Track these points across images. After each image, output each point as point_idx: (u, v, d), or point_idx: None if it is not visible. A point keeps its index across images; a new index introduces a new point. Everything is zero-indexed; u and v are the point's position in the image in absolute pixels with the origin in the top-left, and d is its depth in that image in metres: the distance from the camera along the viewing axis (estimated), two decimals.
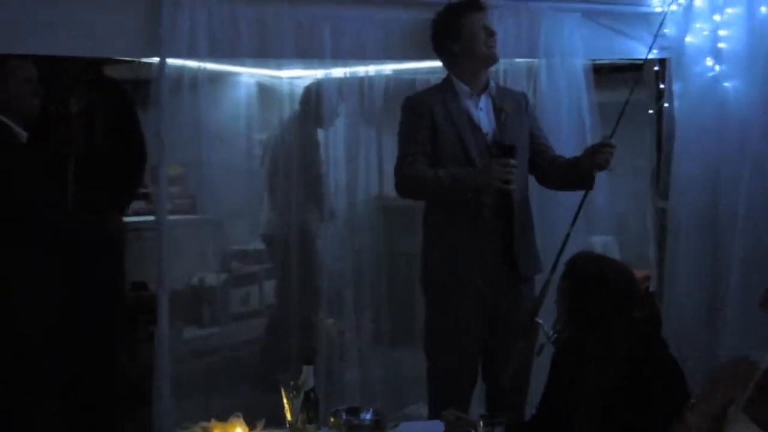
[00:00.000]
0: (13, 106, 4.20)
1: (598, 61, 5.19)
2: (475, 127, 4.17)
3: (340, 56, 4.53)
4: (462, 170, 4.06)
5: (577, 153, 4.29)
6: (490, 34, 4.20)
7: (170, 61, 4.19)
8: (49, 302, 4.26)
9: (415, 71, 5.13)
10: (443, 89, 4.25)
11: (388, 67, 5.07)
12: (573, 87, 4.78)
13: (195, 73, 4.36)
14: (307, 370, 3.31)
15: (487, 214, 4.08)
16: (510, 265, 4.15)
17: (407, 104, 4.27)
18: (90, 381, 4.60)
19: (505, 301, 4.12)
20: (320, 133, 5.58)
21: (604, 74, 6.06)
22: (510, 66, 4.83)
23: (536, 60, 4.80)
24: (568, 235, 4.03)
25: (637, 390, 2.97)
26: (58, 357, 4.36)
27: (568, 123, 4.69)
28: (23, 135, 4.19)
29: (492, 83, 4.28)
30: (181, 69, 4.28)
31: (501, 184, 3.95)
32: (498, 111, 4.20)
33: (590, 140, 4.61)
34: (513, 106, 4.24)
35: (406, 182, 4.16)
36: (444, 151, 4.12)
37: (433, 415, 4.06)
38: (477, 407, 4.18)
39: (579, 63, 4.82)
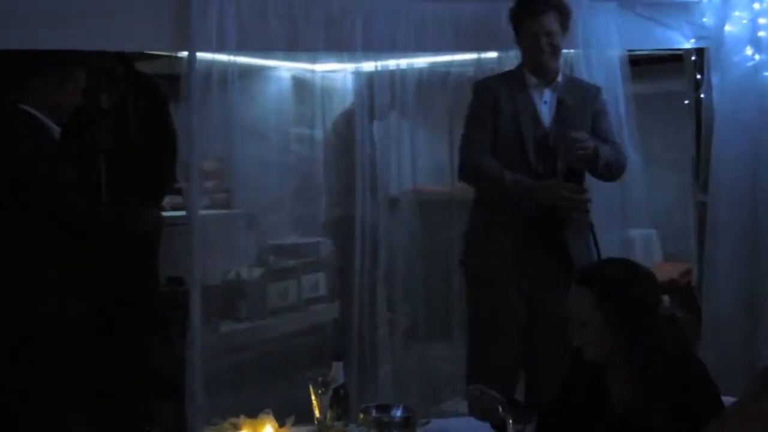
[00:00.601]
0: (59, 108, 4.21)
1: (635, 52, 5.12)
2: (537, 121, 4.20)
3: (371, 49, 4.50)
4: (528, 181, 4.10)
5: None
6: (539, 43, 4.15)
7: (201, 55, 4.19)
8: (82, 297, 4.27)
9: (449, 64, 5.07)
10: (513, 77, 4.30)
11: (421, 60, 5.02)
12: (609, 78, 4.72)
13: (226, 67, 4.35)
14: (337, 366, 3.28)
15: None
16: (565, 264, 4.14)
17: (475, 88, 4.36)
18: (123, 376, 4.61)
19: (550, 295, 4.10)
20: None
21: (643, 65, 6.00)
22: None
23: (572, 51, 4.74)
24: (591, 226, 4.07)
25: (672, 414, 2.76)
26: (92, 352, 4.38)
27: None
28: (56, 130, 4.19)
29: (561, 76, 4.28)
30: (211, 63, 4.27)
31: (568, 211, 4.06)
32: (558, 103, 4.21)
33: (626, 132, 4.57)
34: (577, 100, 4.24)
35: (470, 170, 4.26)
36: (502, 139, 4.16)
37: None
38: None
39: (615, 54, 4.77)
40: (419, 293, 5.11)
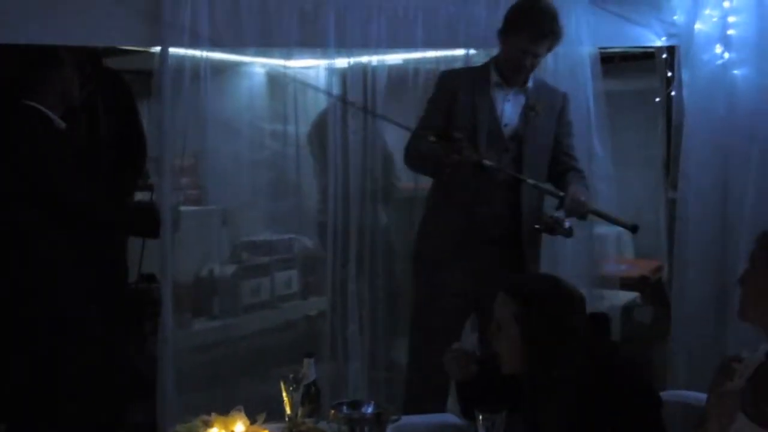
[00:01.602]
0: (60, 98, 4.24)
1: (608, 50, 5.14)
2: (493, 117, 4.21)
3: (344, 45, 4.50)
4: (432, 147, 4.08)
5: (583, 140, 4.33)
6: (524, 61, 4.16)
7: (174, 50, 4.19)
8: (68, 292, 4.30)
9: (420, 61, 5.07)
10: (478, 72, 4.32)
11: (395, 57, 5.02)
12: (579, 75, 4.74)
13: (198, 63, 4.34)
14: (308, 363, 3.29)
15: (486, 205, 4.17)
16: (517, 259, 4.20)
17: (440, 76, 4.43)
18: (94, 373, 4.59)
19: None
20: None
21: (616, 62, 6.03)
22: None
23: None
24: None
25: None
26: (65, 349, 4.38)
27: (573, 111, 4.63)
28: (62, 123, 4.21)
29: (532, 80, 4.30)
30: (184, 59, 4.26)
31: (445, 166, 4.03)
32: (528, 108, 4.24)
33: (595, 129, 4.60)
34: (546, 106, 4.27)
35: (405, 155, 4.31)
36: (455, 129, 4.11)
37: (408, 396, 4.20)
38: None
39: (586, 51, 4.78)
40: (391, 290, 5.11)
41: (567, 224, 4.09)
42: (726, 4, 4.75)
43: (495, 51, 4.36)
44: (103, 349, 4.60)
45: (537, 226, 4.14)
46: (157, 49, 4.21)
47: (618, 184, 4.89)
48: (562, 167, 4.32)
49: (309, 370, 3.27)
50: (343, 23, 4.42)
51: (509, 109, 4.25)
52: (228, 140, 5.30)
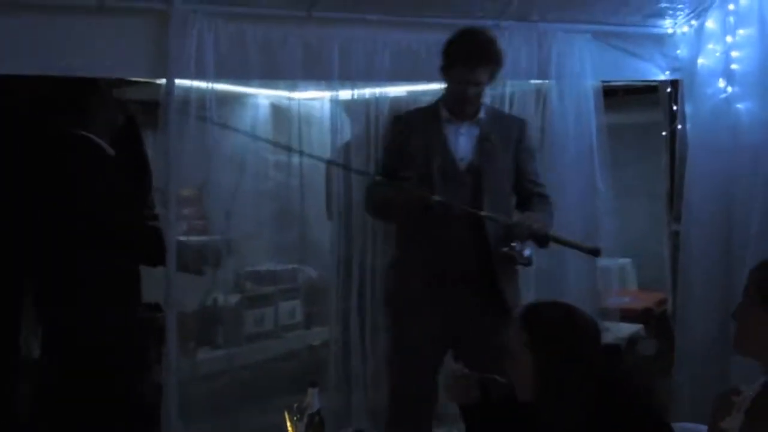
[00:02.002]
0: (106, 125, 4.30)
1: (612, 83, 5.17)
2: (447, 153, 4.09)
3: (348, 77, 4.52)
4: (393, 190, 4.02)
5: (586, 175, 4.29)
6: (467, 92, 4.05)
7: (179, 81, 4.21)
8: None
9: (424, 93, 5.10)
10: (428, 111, 4.21)
11: (398, 89, 5.06)
12: (582, 108, 4.76)
13: (204, 94, 4.35)
14: (312, 393, 3.29)
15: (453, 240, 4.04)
16: (495, 294, 4.05)
17: (390, 122, 4.42)
18: (99, 402, 4.60)
19: (475, 326, 4.01)
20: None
21: (620, 96, 6.07)
22: (519, 87, 4.81)
23: (546, 81, 4.79)
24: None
25: None
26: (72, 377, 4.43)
27: (576, 145, 4.66)
28: (112, 151, 4.26)
29: (483, 111, 4.16)
30: (189, 90, 4.28)
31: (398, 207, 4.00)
32: (482, 140, 4.11)
33: (597, 162, 4.61)
34: (501, 136, 4.14)
35: (365, 203, 4.27)
36: (413, 171, 4.01)
37: None
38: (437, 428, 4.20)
39: (589, 84, 4.80)
40: None
41: (526, 253, 3.96)
42: (729, 39, 4.77)
43: (500, 84, 4.38)
44: (109, 377, 4.64)
45: (501, 253, 4.00)
46: (163, 80, 4.23)
47: (621, 216, 4.90)
48: (526, 193, 4.20)
49: (313, 399, 3.25)
50: (347, 56, 4.44)
51: (463, 142, 4.12)
52: (232, 171, 5.32)
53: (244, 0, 4.28)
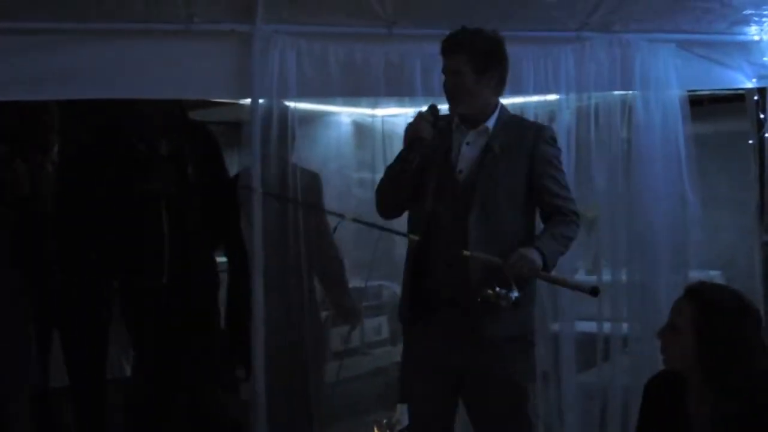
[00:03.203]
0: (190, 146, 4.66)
1: (697, 92, 5.10)
2: (446, 163, 3.90)
3: (431, 93, 4.51)
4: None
5: (674, 185, 4.22)
6: (446, 82, 3.88)
7: (263, 101, 4.26)
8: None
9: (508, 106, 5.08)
10: (448, 119, 3.97)
11: None
12: (669, 119, 4.70)
13: (286, 113, 4.40)
14: (400, 409, 3.29)
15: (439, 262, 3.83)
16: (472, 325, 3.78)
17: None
18: (188, 418, 4.67)
19: (471, 363, 3.83)
20: None
21: (705, 105, 5.98)
22: (603, 98, 4.76)
23: (630, 92, 4.74)
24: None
25: None
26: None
27: (663, 155, 4.60)
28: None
29: (493, 118, 3.91)
30: (272, 109, 4.32)
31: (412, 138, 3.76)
32: (485, 151, 3.86)
33: (686, 173, 4.54)
34: (511, 145, 3.86)
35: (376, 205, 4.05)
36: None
37: None
38: None
39: (675, 94, 4.74)
40: None
41: (513, 295, 3.55)
42: None
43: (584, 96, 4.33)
44: (196, 395, 4.71)
45: (479, 299, 3.60)
46: (247, 100, 4.29)
47: (710, 227, 4.82)
48: (549, 208, 3.88)
49: (402, 416, 3.26)
50: (429, 71, 4.42)
51: (467, 152, 3.89)
52: None
53: (326, 19, 4.32)
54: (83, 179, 4.66)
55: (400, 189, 3.90)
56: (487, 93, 3.90)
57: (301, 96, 4.42)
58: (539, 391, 4.56)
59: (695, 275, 5.02)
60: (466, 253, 3.64)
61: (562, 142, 4.57)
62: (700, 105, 5.49)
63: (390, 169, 3.92)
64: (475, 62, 3.82)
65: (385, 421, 3.19)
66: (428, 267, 3.86)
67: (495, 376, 3.79)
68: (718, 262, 6.36)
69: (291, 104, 4.44)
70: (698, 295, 2.96)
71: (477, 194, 3.80)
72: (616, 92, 4.78)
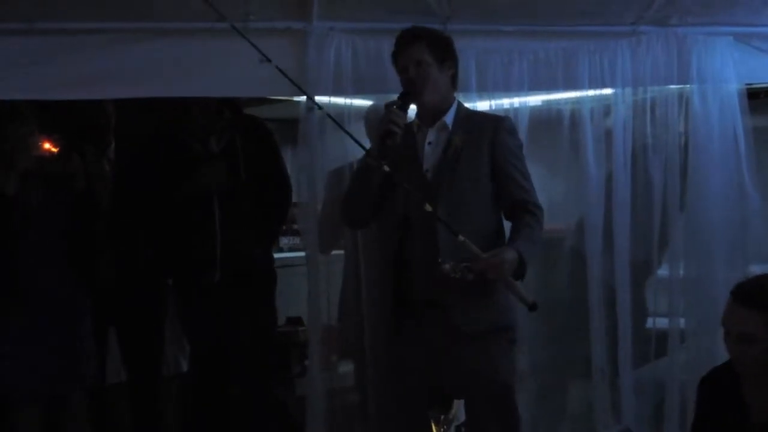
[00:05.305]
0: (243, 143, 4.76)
1: (755, 85, 5.04)
2: (415, 163, 3.89)
3: (485, 89, 4.51)
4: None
5: (733, 179, 4.20)
6: (408, 73, 3.87)
7: (318, 98, 4.25)
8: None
9: (562, 101, 5.05)
10: (412, 122, 3.98)
11: (535, 99, 5.01)
12: (727, 113, 4.65)
13: (342, 110, 4.41)
14: (457, 404, 3.29)
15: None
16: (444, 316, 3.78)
17: None
18: (242, 416, 4.70)
19: (448, 363, 3.80)
20: None
21: (762, 98, 5.90)
22: (660, 92, 4.73)
23: (688, 86, 4.69)
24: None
25: None
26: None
27: (721, 150, 4.55)
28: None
29: (451, 113, 3.92)
30: (327, 106, 4.31)
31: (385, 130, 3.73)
32: (446, 147, 3.86)
33: (745, 167, 4.49)
34: (472, 137, 3.85)
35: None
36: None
37: None
38: None
39: (733, 88, 4.69)
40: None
41: (464, 266, 3.59)
42: None
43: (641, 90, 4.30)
44: (253, 390, 4.74)
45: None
46: (302, 97, 4.30)
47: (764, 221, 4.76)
48: (513, 202, 3.85)
49: (459, 411, 3.26)
50: (484, 67, 4.44)
51: (431, 151, 3.89)
52: None
53: (381, 16, 4.33)
54: (137, 177, 4.71)
55: (370, 189, 3.87)
56: (446, 84, 3.94)
57: (356, 93, 4.42)
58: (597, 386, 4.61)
59: (755, 269, 4.98)
60: (461, 238, 3.58)
61: (617, 136, 4.58)
62: (757, 98, 5.40)
63: (359, 171, 3.95)
64: (435, 50, 3.88)
65: (442, 416, 3.19)
66: (405, 271, 3.84)
67: (478, 372, 3.77)
68: None
69: (346, 101, 4.44)
70: (760, 297, 2.93)
71: (443, 192, 3.79)
72: (672, 86, 4.74)
